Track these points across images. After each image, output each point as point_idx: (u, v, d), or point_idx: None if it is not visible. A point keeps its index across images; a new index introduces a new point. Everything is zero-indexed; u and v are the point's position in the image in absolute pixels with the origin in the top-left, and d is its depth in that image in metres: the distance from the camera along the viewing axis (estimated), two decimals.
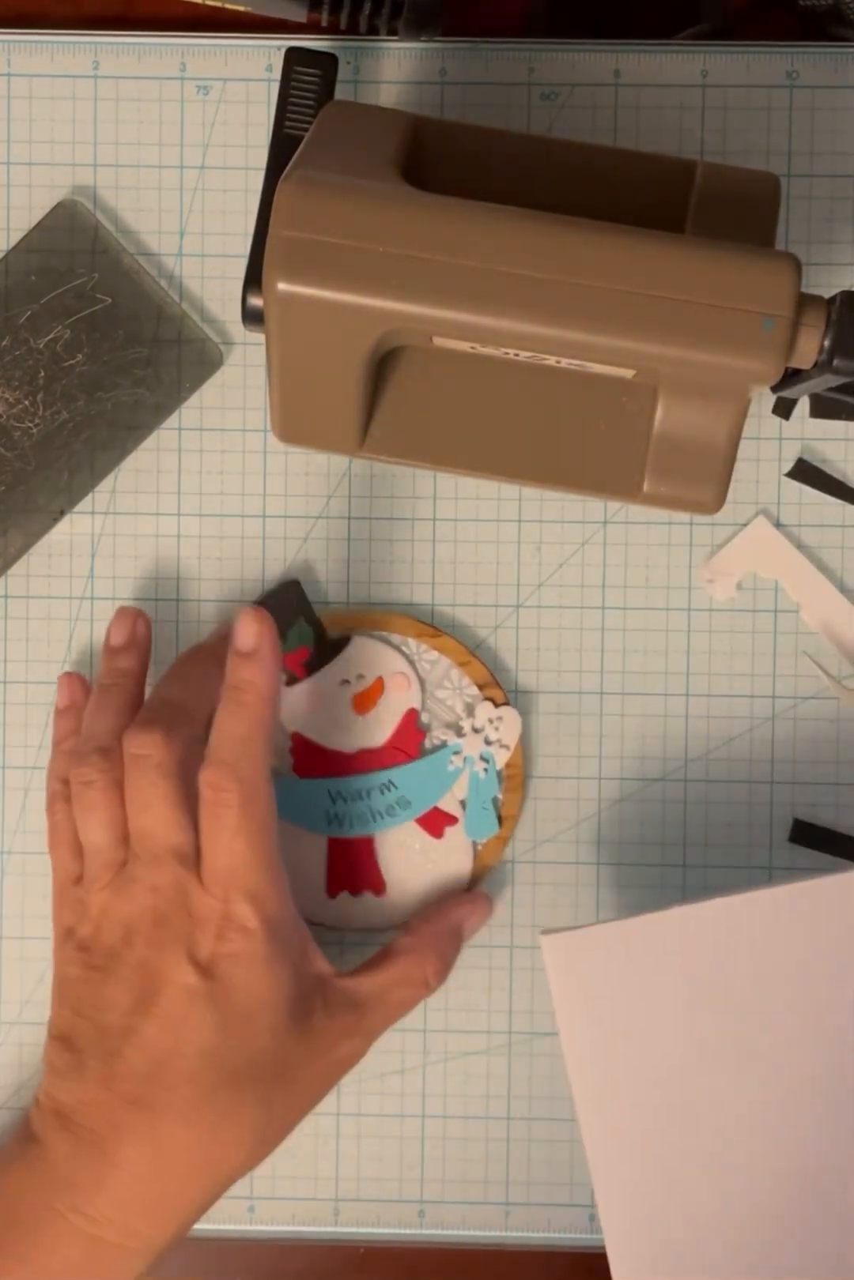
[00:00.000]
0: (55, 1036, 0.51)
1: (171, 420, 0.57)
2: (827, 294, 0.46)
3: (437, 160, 0.50)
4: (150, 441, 0.57)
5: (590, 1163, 0.50)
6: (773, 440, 0.57)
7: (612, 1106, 0.50)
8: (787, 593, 0.57)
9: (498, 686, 0.56)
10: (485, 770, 0.56)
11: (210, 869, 0.49)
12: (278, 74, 0.52)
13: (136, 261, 0.57)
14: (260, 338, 0.52)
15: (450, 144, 0.51)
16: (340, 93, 0.53)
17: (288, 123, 0.51)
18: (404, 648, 0.56)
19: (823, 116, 0.57)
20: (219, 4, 0.56)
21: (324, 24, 0.56)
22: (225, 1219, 0.58)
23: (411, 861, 0.57)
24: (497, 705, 0.56)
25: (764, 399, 0.57)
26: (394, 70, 0.57)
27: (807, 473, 0.57)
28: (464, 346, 0.47)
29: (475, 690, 0.56)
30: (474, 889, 0.57)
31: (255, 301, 0.48)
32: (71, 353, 0.57)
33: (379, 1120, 0.58)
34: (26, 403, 0.57)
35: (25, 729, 0.58)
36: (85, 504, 0.57)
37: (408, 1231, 0.58)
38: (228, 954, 0.49)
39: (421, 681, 0.56)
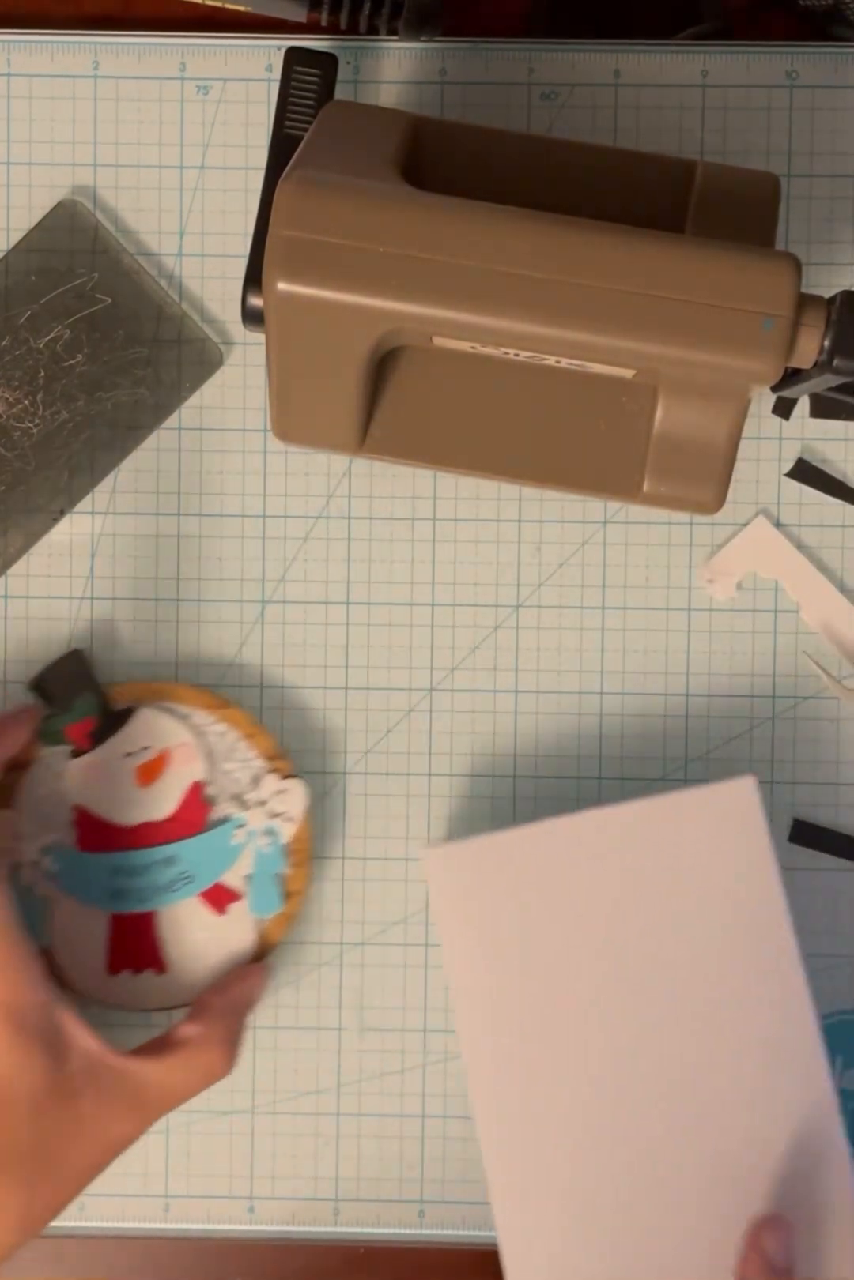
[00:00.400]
0: None
1: (171, 420, 0.57)
2: (827, 294, 0.46)
3: (437, 160, 0.50)
4: (150, 441, 0.57)
5: (467, 1064, 0.52)
6: (773, 440, 0.57)
7: (489, 1015, 0.52)
8: (787, 593, 0.57)
9: (285, 759, 0.55)
10: (270, 845, 0.55)
11: None
12: (278, 74, 0.52)
13: (136, 261, 0.57)
14: (260, 338, 0.52)
15: (450, 144, 0.51)
16: (340, 93, 0.53)
17: (288, 123, 0.51)
18: (191, 719, 0.55)
19: (823, 116, 0.57)
20: (219, 4, 0.56)
21: (324, 24, 0.56)
22: (225, 1219, 0.58)
23: (194, 939, 0.55)
24: (283, 777, 0.55)
25: (764, 399, 0.57)
26: (394, 70, 0.57)
27: (807, 473, 0.57)
28: (464, 346, 0.47)
29: (261, 762, 0.55)
30: (255, 965, 0.55)
31: (255, 301, 0.48)
32: (71, 353, 0.57)
33: (379, 1120, 0.58)
34: (26, 403, 0.57)
35: None
36: (85, 504, 0.57)
37: (408, 1231, 0.58)
38: None
39: (209, 753, 0.55)
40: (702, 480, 0.51)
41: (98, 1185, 0.57)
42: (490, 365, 0.50)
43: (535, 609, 0.57)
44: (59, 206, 0.57)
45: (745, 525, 0.57)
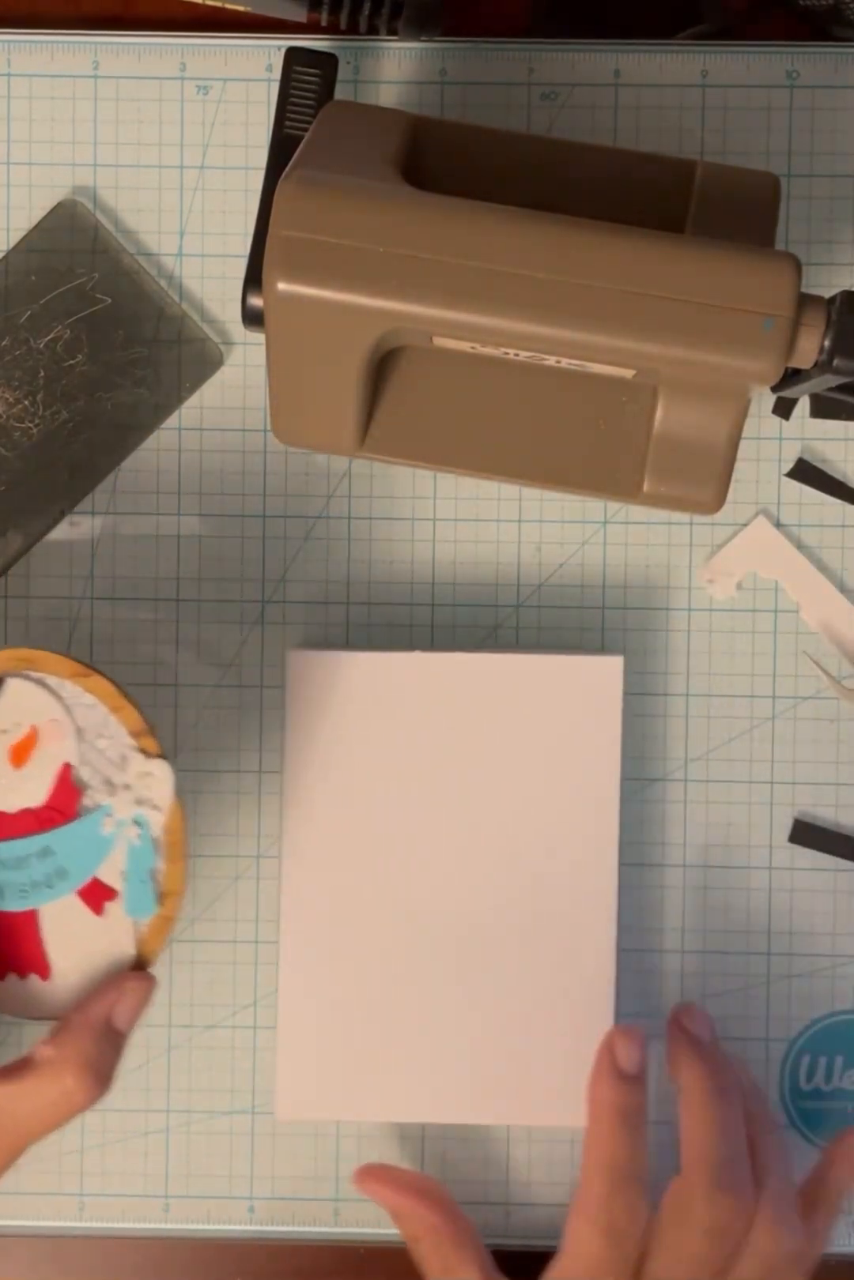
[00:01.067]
0: None
1: (171, 420, 0.57)
2: (827, 294, 0.46)
3: (437, 160, 0.50)
4: (150, 441, 0.57)
5: (282, 868, 0.55)
6: (773, 440, 0.57)
7: (316, 825, 0.54)
8: (787, 593, 0.57)
9: (151, 736, 0.48)
10: (139, 836, 0.48)
11: None
12: (278, 74, 0.52)
13: (136, 261, 0.57)
14: (260, 338, 0.52)
15: (450, 144, 0.51)
16: (340, 93, 0.53)
17: (288, 123, 0.51)
18: (60, 691, 0.49)
19: (823, 116, 0.57)
20: (219, 4, 0.56)
21: (324, 24, 0.56)
22: (225, 1219, 0.58)
23: (76, 941, 0.49)
24: (148, 757, 0.48)
25: (764, 399, 0.57)
26: (394, 70, 0.57)
27: (807, 473, 0.57)
28: (464, 346, 0.47)
29: (129, 740, 0.48)
30: (127, 974, 0.49)
31: (255, 301, 0.48)
32: (71, 353, 0.57)
33: (379, 1120, 0.58)
34: (26, 403, 0.57)
35: None
36: (85, 504, 0.57)
37: None
38: None
39: (78, 730, 0.49)
40: (702, 480, 0.51)
41: (98, 1185, 0.57)
42: (490, 365, 0.50)
43: (535, 609, 0.57)
44: (59, 206, 0.57)
45: (745, 525, 0.57)
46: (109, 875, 0.49)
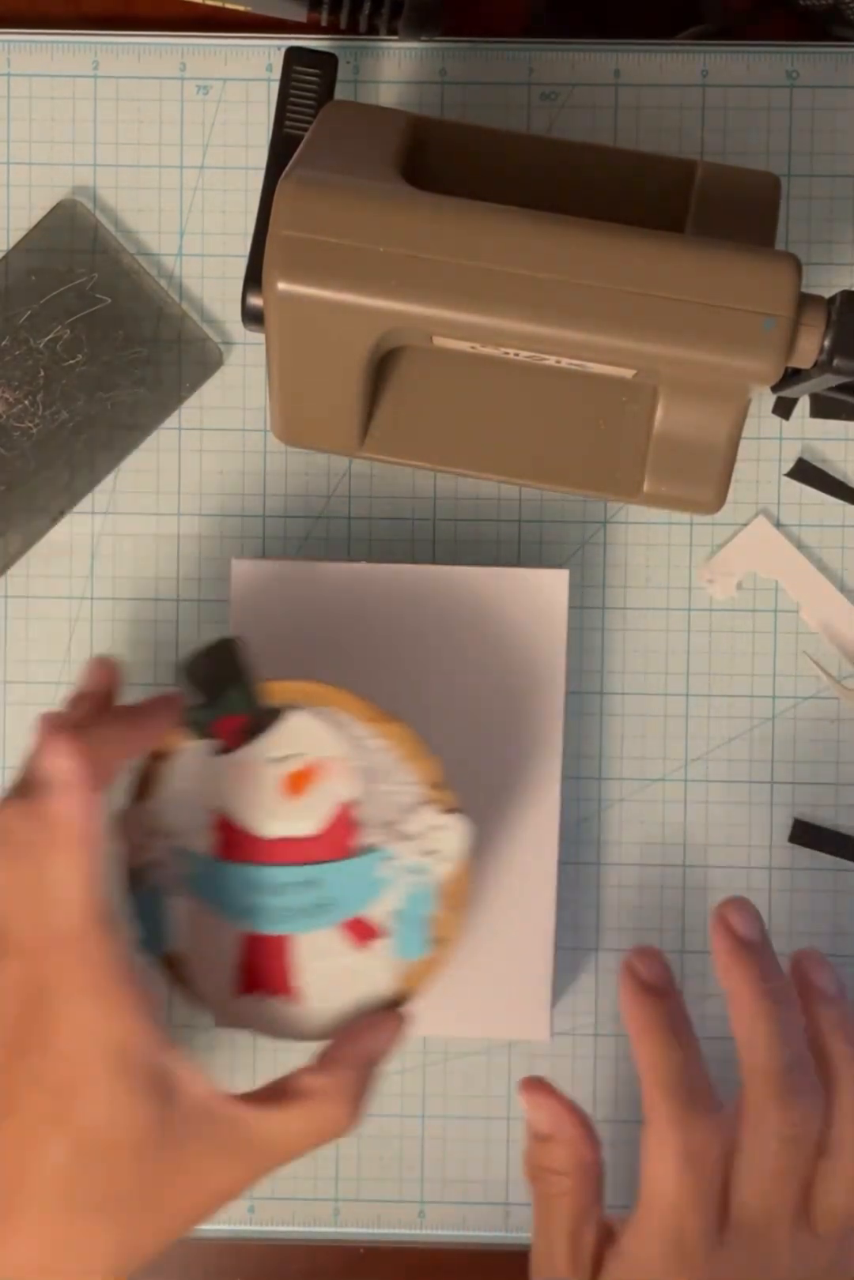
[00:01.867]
0: None
1: (171, 420, 0.57)
2: (827, 294, 0.46)
3: (437, 160, 0.50)
4: (150, 441, 0.57)
5: None
6: (773, 440, 0.57)
7: None
8: (787, 593, 0.57)
9: (446, 790, 0.49)
10: (420, 884, 0.49)
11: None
12: (278, 74, 0.52)
13: (136, 261, 0.57)
14: (260, 338, 0.52)
15: (450, 144, 0.51)
16: (340, 93, 0.53)
17: (288, 123, 0.51)
18: (350, 730, 0.49)
19: (823, 116, 0.57)
20: (219, 4, 0.56)
21: (324, 24, 0.56)
22: (225, 1219, 0.58)
23: (331, 971, 0.49)
24: (442, 811, 0.49)
25: (764, 399, 0.57)
26: (394, 70, 0.57)
27: (807, 473, 0.57)
28: (464, 346, 0.47)
29: (420, 790, 0.49)
30: (384, 1013, 0.49)
31: (255, 301, 0.48)
32: (71, 353, 0.57)
33: (379, 1120, 0.58)
34: (26, 403, 0.57)
35: (25, 729, 0.58)
36: (85, 504, 0.57)
37: (408, 1231, 0.58)
38: (77, 1084, 0.45)
39: (364, 771, 0.49)
40: (702, 480, 0.51)
41: None
42: (490, 365, 0.50)
43: None
44: (59, 206, 0.57)
45: (745, 525, 0.57)
46: (377, 914, 0.49)
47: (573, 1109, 0.51)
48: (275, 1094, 0.47)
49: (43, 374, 0.57)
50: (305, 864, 0.49)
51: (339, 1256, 0.58)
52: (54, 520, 0.57)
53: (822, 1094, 0.49)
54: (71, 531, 0.58)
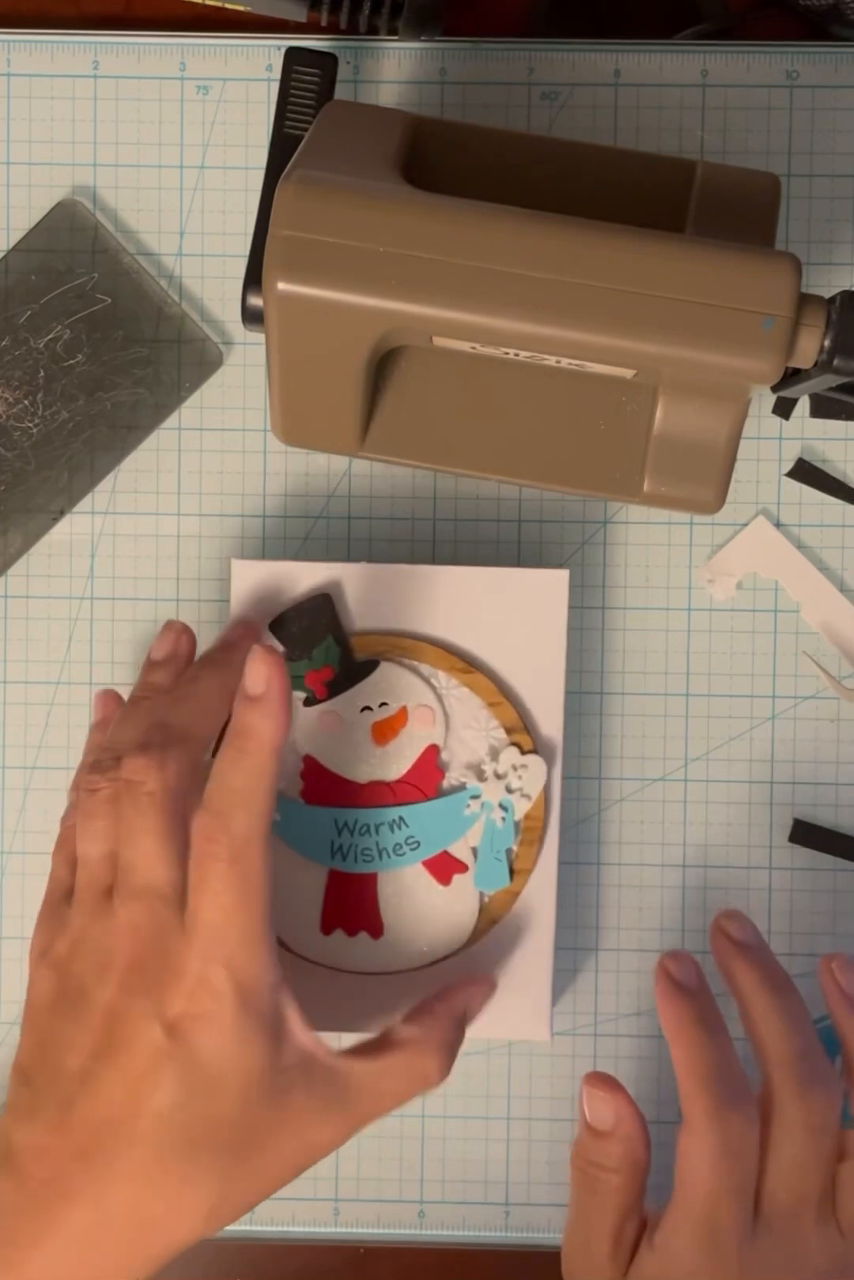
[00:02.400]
0: (17, 1067, 0.48)
1: (171, 420, 0.57)
2: (827, 294, 0.46)
3: (437, 160, 0.50)
4: (150, 441, 0.57)
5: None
6: (773, 440, 0.57)
7: None
8: (787, 593, 0.57)
9: (526, 732, 0.53)
10: (503, 819, 0.53)
11: (192, 920, 0.46)
12: (278, 74, 0.52)
13: (136, 261, 0.57)
14: (260, 338, 0.52)
15: (450, 144, 0.51)
16: (340, 93, 0.53)
17: (288, 123, 0.51)
18: (433, 680, 0.53)
19: (823, 116, 0.57)
20: (219, 4, 0.56)
21: (324, 24, 0.56)
22: None
23: (414, 906, 0.53)
24: (523, 752, 0.53)
25: (764, 399, 0.57)
26: (394, 70, 0.57)
27: (807, 473, 0.57)
28: (464, 346, 0.47)
29: (502, 733, 0.53)
30: (479, 973, 0.53)
31: (255, 301, 0.48)
32: (71, 353, 0.57)
33: (379, 1121, 0.58)
34: (26, 403, 0.57)
35: (25, 729, 0.58)
36: (85, 504, 0.57)
37: (408, 1232, 0.58)
38: (198, 1015, 0.46)
39: (447, 717, 0.53)
40: (702, 480, 0.51)
41: None
42: (490, 365, 0.50)
43: None
44: (59, 206, 0.57)
45: (745, 525, 0.57)
46: (459, 850, 0.53)
47: (634, 1106, 0.50)
48: (371, 1047, 0.49)
49: (43, 374, 0.57)
50: (393, 805, 0.53)
51: (339, 1256, 0.58)
52: (54, 520, 0.57)
53: (838, 1079, 0.49)
54: (71, 531, 0.58)
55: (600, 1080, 0.50)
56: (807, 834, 0.57)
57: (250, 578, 0.54)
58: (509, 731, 0.53)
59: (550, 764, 0.53)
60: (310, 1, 0.55)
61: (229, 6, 0.56)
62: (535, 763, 0.53)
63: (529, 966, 0.54)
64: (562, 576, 0.54)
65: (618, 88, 0.57)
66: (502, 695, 0.53)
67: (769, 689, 0.58)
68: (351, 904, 0.53)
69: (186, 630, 0.54)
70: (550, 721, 0.54)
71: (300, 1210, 0.58)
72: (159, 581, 0.58)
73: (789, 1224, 0.48)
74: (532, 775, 0.53)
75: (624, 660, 0.57)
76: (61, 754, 0.58)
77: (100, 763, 0.49)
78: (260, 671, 0.48)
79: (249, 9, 0.56)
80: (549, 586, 0.54)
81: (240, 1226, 0.58)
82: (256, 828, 0.47)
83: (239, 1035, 0.46)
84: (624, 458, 0.52)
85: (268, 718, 0.48)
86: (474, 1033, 0.53)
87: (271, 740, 0.47)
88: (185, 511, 0.58)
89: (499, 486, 0.57)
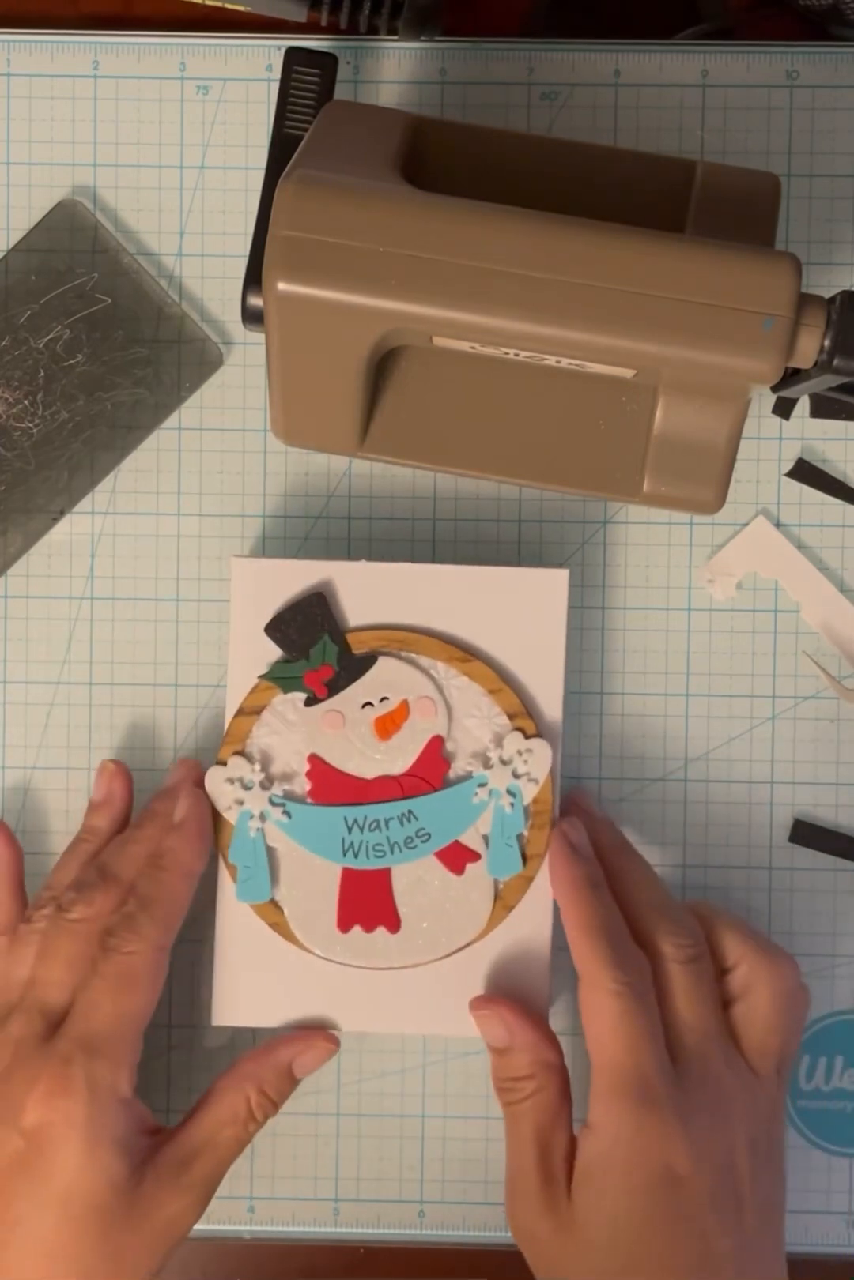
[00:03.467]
0: None
1: (171, 420, 0.57)
2: (827, 294, 0.46)
3: (437, 160, 0.50)
4: (150, 441, 0.57)
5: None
6: (773, 440, 0.57)
7: None
8: (787, 593, 0.57)
9: (529, 717, 0.53)
10: (512, 805, 0.53)
11: (70, 1020, 0.50)
12: (278, 74, 0.52)
13: (136, 261, 0.57)
14: (260, 338, 0.52)
15: (450, 144, 0.51)
16: (340, 93, 0.53)
17: (288, 123, 0.51)
18: (432, 671, 0.53)
19: (823, 116, 0.57)
20: (219, 4, 0.56)
21: (324, 24, 0.56)
22: (225, 1219, 0.58)
23: (429, 898, 0.53)
24: (527, 736, 0.53)
25: (764, 399, 0.57)
26: (394, 70, 0.57)
27: (807, 473, 0.57)
28: (464, 346, 0.47)
29: (505, 720, 0.53)
30: (315, 1029, 0.54)
31: (255, 301, 0.48)
32: (71, 353, 0.57)
33: (379, 1120, 0.58)
34: (26, 403, 0.57)
35: (25, 729, 0.58)
36: (85, 504, 0.57)
37: (408, 1232, 0.58)
38: (53, 1122, 0.48)
39: (449, 707, 0.53)
40: (702, 480, 0.51)
41: None
42: (490, 365, 0.50)
43: None
44: (59, 206, 0.57)
45: (745, 525, 0.57)
46: (470, 839, 0.53)
47: (527, 1014, 0.52)
48: (195, 1108, 0.52)
49: (43, 374, 0.57)
50: (401, 799, 0.53)
51: (339, 1256, 0.58)
52: (54, 520, 0.57)
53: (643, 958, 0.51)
54: (71, 531, 0.58)
55: (482, 1000, 0.53)
56: (807, 834, 0.57)
57: (250, 575, 0.54)
58: (512, 717, 0.53)
59: (554, 748, 0.53)
60: (310, 1, 0.55)
61: (229, 6, 0.56)
62: (540, 746, 0.53)
63: (528, 968, 0.54)
64: (561, 576, 0.54)
65: (618, 88, 0.57)
66: (502, 681, 0.53)
67: (769, 689, 0.58)
68: (367, 900, 0.54)
69: (120, 771, 0.56)
70: (552, 707, 0.54)
71: (300, 1210, 0.58)
72: (159, 581, 0.58)
73: (702, 1064, 0.50)
74: (538, 759, 0.53)
75: (624, 660, 0.57)
76: (61, 754, 0.58)
77: (40, 900, 0.54)
78: (183, 804, 0.53)
79: (249, 9, 0.56)
80: (549, 585, 0.54)
81: (240, 1227, 0.58)
82: (156, 941, 0.51)
83: (92, 1145, 0.49)
84: (624, 458, 0.52)
85: (185, 842, 0.52)
86: (473, 1032, 0.53)
87: (187, 863, 0.52)
88: (185, 511, 0.58)
89: (499, 486, 0.57)
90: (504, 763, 0.53)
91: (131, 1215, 0.49)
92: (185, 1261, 0.58)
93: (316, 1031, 0.53)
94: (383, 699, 0.53)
